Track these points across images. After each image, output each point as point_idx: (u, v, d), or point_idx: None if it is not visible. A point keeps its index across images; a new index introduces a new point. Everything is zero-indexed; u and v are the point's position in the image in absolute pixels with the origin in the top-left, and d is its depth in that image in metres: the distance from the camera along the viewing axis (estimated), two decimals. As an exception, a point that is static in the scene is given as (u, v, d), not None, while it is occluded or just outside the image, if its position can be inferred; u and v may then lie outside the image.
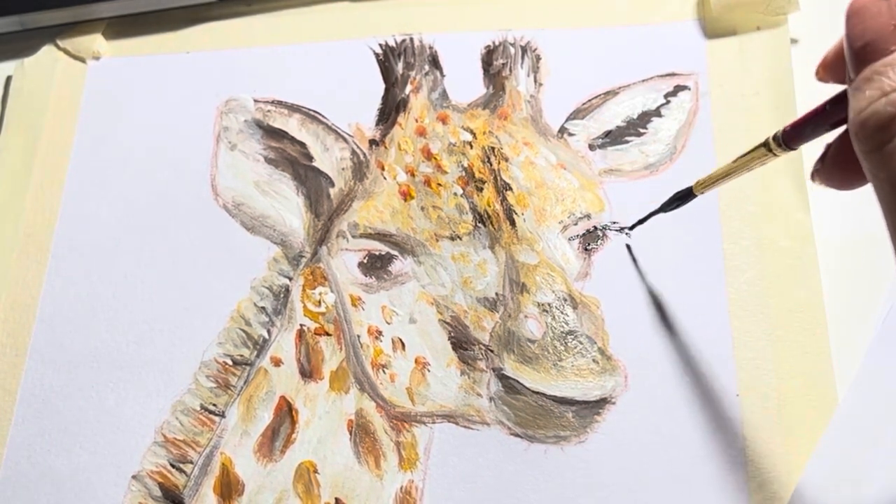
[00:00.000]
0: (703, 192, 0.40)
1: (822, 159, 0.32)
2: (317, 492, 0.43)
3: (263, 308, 0.48)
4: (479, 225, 0.46)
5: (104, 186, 0.52)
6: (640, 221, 0.45)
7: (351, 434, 0.44)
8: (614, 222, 0.47)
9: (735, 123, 0.48)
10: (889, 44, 0.25)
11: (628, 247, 0.46)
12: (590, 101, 0.50)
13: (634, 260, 0.46)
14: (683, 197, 0.42)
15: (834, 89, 0.30)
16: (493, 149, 0.48)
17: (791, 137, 0.32)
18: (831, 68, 0.30)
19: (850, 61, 0.26)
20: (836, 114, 0.29)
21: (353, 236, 0.47)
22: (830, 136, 0.31)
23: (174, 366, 0.47)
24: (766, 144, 0.34)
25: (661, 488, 0.41)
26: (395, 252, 0.47)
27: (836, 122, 0.30)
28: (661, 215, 0.44)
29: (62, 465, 0.46)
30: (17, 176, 0.53)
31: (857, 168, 0.29)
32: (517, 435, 0.43)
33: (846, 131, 0.30)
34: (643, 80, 0.50)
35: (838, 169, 0.31)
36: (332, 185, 0.49)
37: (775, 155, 0.34)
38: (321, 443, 0.44)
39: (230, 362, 0.47)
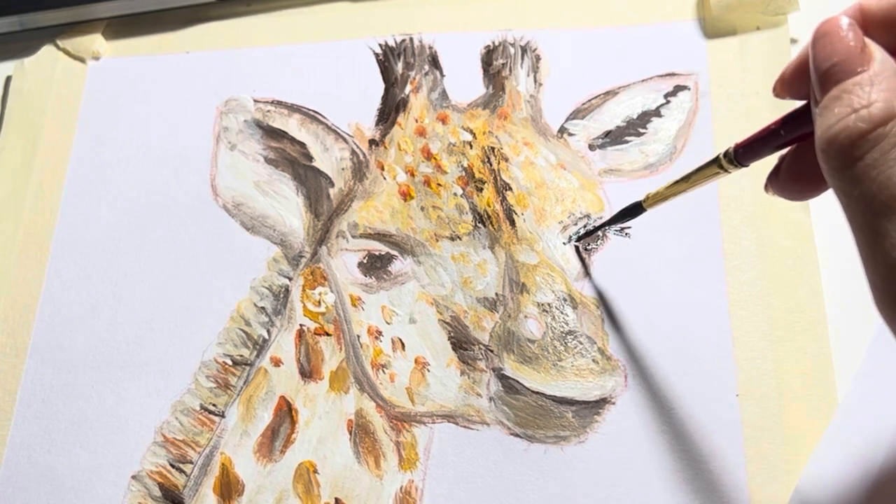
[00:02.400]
0: (652, 207, 0.40)
1: (777, 171, 0.32)
2: (316, 492, 0.43)
3: (263, 308, 0.48)
4: (479, 225, 0.46)
5: (104, 186, 0.52)
6: (587, 234, 0.45)
7: (351, 434, 0.44)
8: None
9: (735, 123, 0.48)
10: (856, 65, 0.26)
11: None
12: (590, 101, 0.50)
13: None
14: (632, 211, 0.42)
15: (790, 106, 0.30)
16: (492, 149, 0.48)
17: (743, 155, 0.32)
18: (789, 85, 0.30)
19: (816, 83, 0.27)
20: (791, 132, 0.30)
21: (353, 236, 0.47)
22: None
23: (174, 366, 0.47)
24: (717, 161, 0.34)
25: (661, 488, 0.41)
26: (394, 252, 0.47)
27: (791, 140, 0.30)
28: (660, 215, 0.44)
29: (62, 464, 0.46)
30: (17, 176, 0.53)
31: (811, 180, 0.30)
32: (517, 435, 0.43)
33: (800, 145, 0.31)
34: (643, 80, 0.50)
35: (792, 181, 0.32)
36: (332, 185, 0.49)
37: (727, 171, 0.34)
38: (321, 443, 0.44)
39: (230, 362, 0.47)
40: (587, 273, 0.46)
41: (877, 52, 0.26)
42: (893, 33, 0.27)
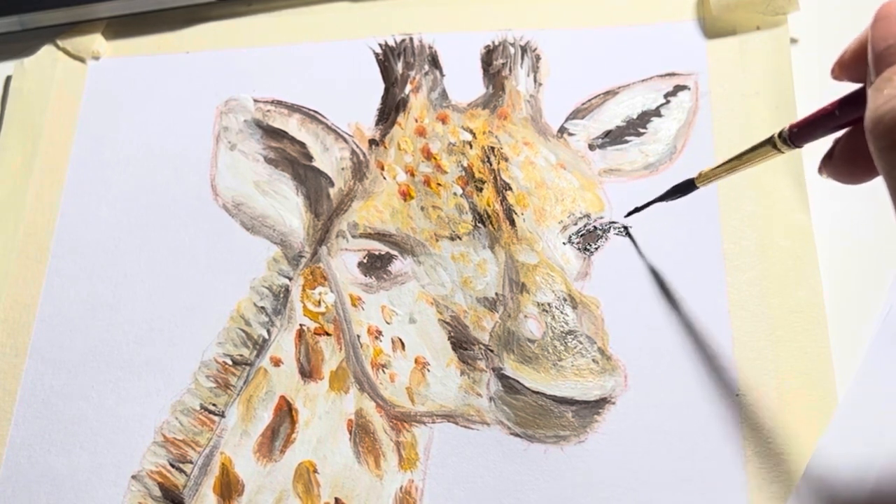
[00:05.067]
0: (704, 185, 0.40)
1: (831, 153, 0.32)
2: (316, 492, 0.43)
3: (263, 308, 0.48)
4: (479, 225, 0.46)
5: (104, 186, 0.52)
6: (638, 209, 0.46)
7: (351, 434, 0.44)
8: (613, 222, 0.47)
9: (735, 123, 0.48)
10: None
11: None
12: (590, 101, 0.50)
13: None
14: (684, 188, 0.42)
15: (843, 89, 0.30)
16: (492, 149, 0.48)
17: (798, 136, 0.32)
18: (847, 67, 0.30)
19: (872, 63, 0.27)
20: (847, 115, 0.30)
21: (353, 236, 0.47)
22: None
23: (174, 366, 0.47)
24: (771, 141, 0.34)
25: (661, 488, 0.41)
26: (394, 252, 0.47)
27: (846, 122, 0.30)
28: (660, 214, 0.44)
29: (62, 465, 0.46)
30: (17, 176, 0.53)
31: (865, 164, 0.30)
32: (517, 435, 0.43)
33: (855, 128, 0.31)
34: (643, 80, 0.50)
35: (846, 164, 0.31)
36: (332, 184, 0.49)
37: (780, 152, 0.34)
38: (321, 443, 0.44)
39: (230, 362, 0.47)
40: (587, 274, 0.46)
41: None
42: None
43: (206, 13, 0.57)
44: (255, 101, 0.52)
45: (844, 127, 0.31)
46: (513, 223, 0.46)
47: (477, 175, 0.47)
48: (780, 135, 0.33)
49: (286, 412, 0.45)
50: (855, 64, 0.30)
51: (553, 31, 0.52)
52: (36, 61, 0.56)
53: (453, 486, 0.43)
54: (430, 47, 0.52)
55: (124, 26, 0.57)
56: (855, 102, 0.29)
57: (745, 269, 0.45)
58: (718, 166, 0.39)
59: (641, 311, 0.45)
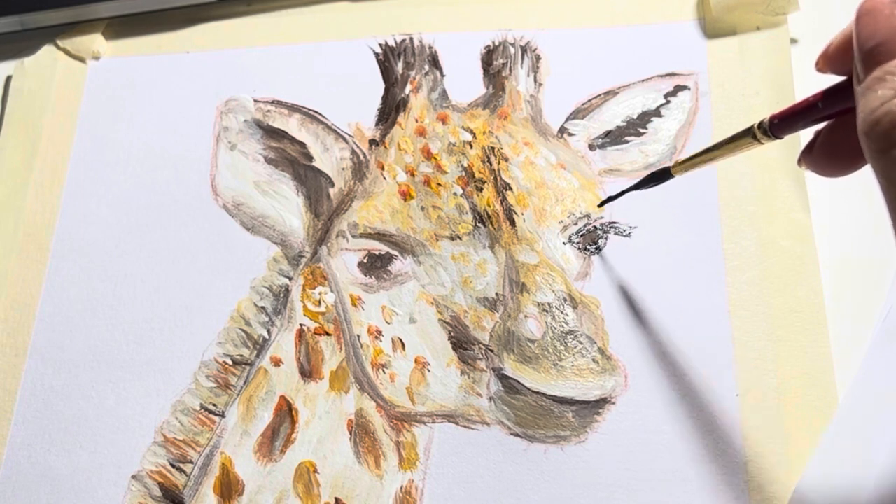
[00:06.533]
0: (680, 174, 0.39)
1: (811, 145, 0.32)
2: (317, 492, 0.43)
3: (263, 308, 0.48)
4: (479, 225, 0.46)
5: (104, 186, 0.52)
6: (612, 198, 0.45)
7: (351, 434, 0.44)
8: (614, 222, 0.47)
9: (735, 123, 0.48)
10: None
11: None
12: (590, 101, 0.50)
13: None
14: (660, 176, 0.41)
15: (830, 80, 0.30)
16: (493, 149, 0.48)
17: (779, 127, 0.32)
18: (832, 60, 0.30)
19: (859, 61, 0.26)
20: (830, 107, 0.29)
21: (353, 236, 0.47)
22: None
23: (174, 365, 0.47)
24: (751, 132, 0.33)
25: (662, 488, 0.41)
26: (394, 252, 0.47)
27: (829, 115, 0.30)
28: (660, 214, 0.44)
29: (62, 464, 0.46)
30: (17, 176, 0.53)
31: (845, 157, 0.30)
32: (517, 435, 0.43)
33: (837, 120, 0.30)
34: (643, 80, 0.50)
35: (826, 157, 0.31)
36: (332, 184, 0.49)
37: (760, 143, 0.33)
38: (321, 443, 0.44)
39: (230, 362, 0.47)
40: (587, 274, 0.46)
41: None
42: None
43: (206, 13, 0.57)
44: (255, 101, 0.52)
45: (826, 119, 0.30)
46: (513, 223, 0.46)
47: (477, 175, 0.47)
48: (759, 125, 0.32)
49: (286, 412, 0.45)
50: (840, 57, 0.29)
51: (553, 31, 0.52)
52: (36, 61, 0.56)
53: (453, 486, 0.43)
54: (430, 47, 0.52)
55: (124, 26, 0.57)
56: (839, 95, 0.29)
57: (745, 269, 0.45)
58: (695, 155, 0.37)
59: (641, 311, 0.45)
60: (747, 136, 0.33)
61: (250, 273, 0.49)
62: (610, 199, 0.45)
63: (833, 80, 0.30)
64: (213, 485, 0.44)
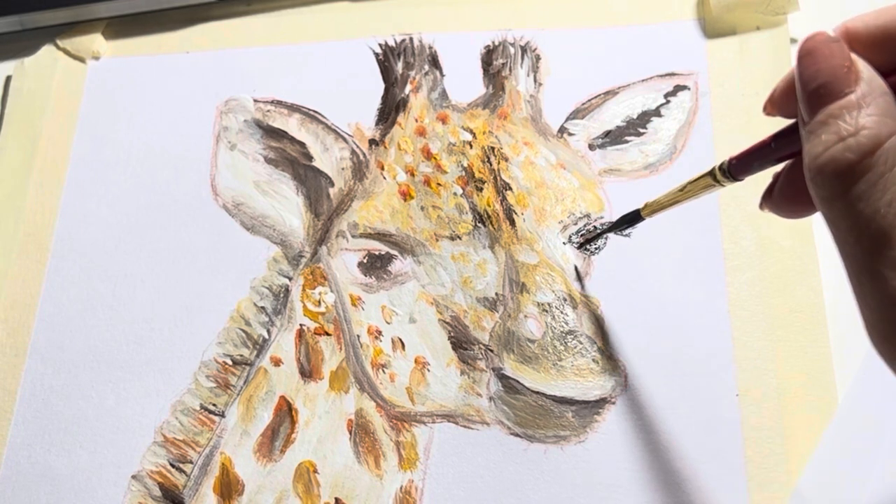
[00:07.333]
0: (650, 216, 0.40)
1: (771, 189, 0.32)
2: (317, 491, 0.43)
3: (263, 308, 0.48)
4: (479, 225, 0.46)
5: (104, 186, 0.52)
6: (588, 240, 0.46)
7: (351, 434, 0.44)
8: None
9: (735, 123, 0.48)
10: (843, 86, 0.24)
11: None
12: (590, 101, 0.50)
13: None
14: (631, 220, 0.42)
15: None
16: (492, 149, 0.48)
17: (737, 169, 0.32)
18: (779, 104, 0.30)
19: (803, 103, 0.26)
20: (782, 148, 0.29)
21: (353, 236, 0.47)
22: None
23: (174, 366, 0.47)
24: (712, 174, 0.34)
25: (661, 488, 0.41)
26: (394, 252, 0.47)
27: (782, 156, 0.30)
28: (660, 214, 0.44)
29: (62, 464, 0.46)
30: (17, 176, 0.53)
31: (805, 200, 0.29)
32: (517, 435, 0.43)
33: (793, 163, 0.30)
34: (643, 80, 0.50)
35: (786, 200, 0.31)
36: (332, 184, 0.49)
37: (721, 185, 0.33)
38: (321, 443, 0.44)
39: (230, 362, 0.47)
40: (587, 274, 0.46)
41: (864, 70, 0.25)
42: (880, 53, 0.26)
43: (206, 13, 0.57)
44: (255, 101, 0.52)
45: (783, 160, 0.30)
46: (513, 223, 0.46)
47: (477, 175, 0.48)
48: (720, 167, 0.33)
49: (286, 412, 0.45)
50: (786, 101, 0.29)
51: (553, 31, 0.52)
52: (36, 61, 0.56)
53: (453, 486, 0.43)
54: (430, 47, 0.52)
55: (124, 26, 0.57)
56: (789, 136, 0.29)
57: (745, 269, 0.45)
58: (662, 197, 0.38)
59: (641, 311, 0.45)
60: (708, 177, 0.34)
61: (250, 273, 0.49)
62: (585, 240, 0.46)
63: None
64: (213, 485, 0.44)
